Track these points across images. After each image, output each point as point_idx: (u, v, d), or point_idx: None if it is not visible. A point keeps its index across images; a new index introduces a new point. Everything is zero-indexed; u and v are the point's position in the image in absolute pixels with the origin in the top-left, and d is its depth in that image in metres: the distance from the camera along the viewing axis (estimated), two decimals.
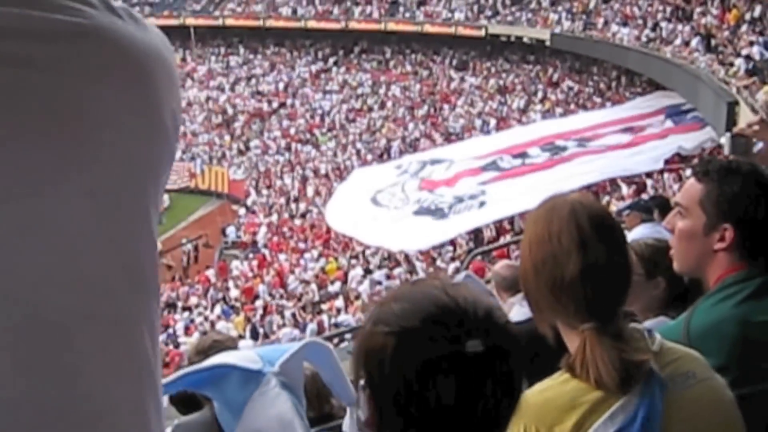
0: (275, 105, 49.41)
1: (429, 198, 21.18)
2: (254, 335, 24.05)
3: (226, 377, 2.05)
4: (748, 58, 24.55)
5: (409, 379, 1.42)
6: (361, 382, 1.50)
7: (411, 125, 43.40)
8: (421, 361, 1.41)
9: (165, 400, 2.41)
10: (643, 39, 33.22)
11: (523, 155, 22.80)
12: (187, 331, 26.02)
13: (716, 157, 2.70)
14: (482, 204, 20.17)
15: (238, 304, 27.44)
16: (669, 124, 24.83)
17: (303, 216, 35.57)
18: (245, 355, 2.14)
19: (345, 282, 26.64)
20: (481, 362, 1.41)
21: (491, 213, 20.24)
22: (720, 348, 2.24)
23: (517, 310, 3.91)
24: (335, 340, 16.07)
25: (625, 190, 24.80)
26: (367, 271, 26.39)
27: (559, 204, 2.05)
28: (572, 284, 1.97)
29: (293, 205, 37.43)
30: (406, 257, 25.78)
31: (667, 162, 22.07)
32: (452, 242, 24.83)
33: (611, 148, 22.44)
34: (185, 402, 3.63)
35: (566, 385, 1.98)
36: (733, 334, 2.30)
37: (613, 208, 22.53)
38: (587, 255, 1.96)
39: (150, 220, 1.10)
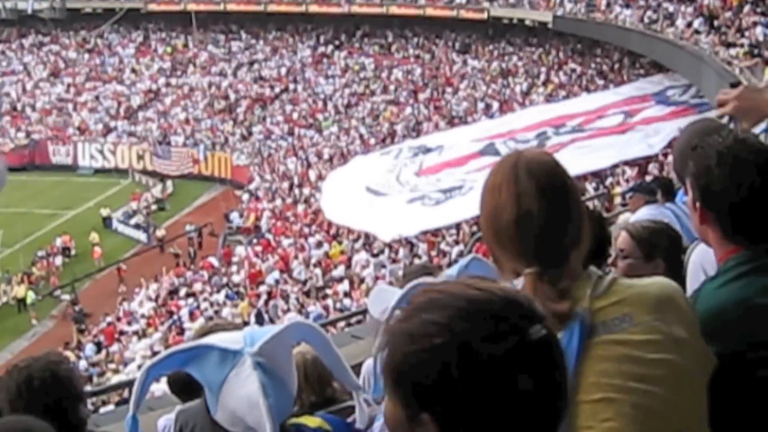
0: (277, 90, 49.35)
1: (423, 184, 21.18)
2: (259, 321, 24.11)
3: (206, 357, 2.06)
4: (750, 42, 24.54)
5: (484, 385, 1.36)
6: (420, 413, 1.41)
7: (414, 109, 43.33)
8: (489, 362, 1.36)
9: (165, 388, 2.42)
10: (646, 20, 33.11)
11: (516, 141, 22.82)
12: (192, 316, 26.09)
13: (713, 132, 2.57)
14: (471, 189, 20.21)
15: (242, 290, 27.48)
16: (660, 109, 24.82)
17: (306, 201, 35.56)
18: (230, 336, 2.15)
19: (349, 266, 26.68)
20: (544, 346, 1.40)
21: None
22: (726, 333, 2.19)
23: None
24: (341, 324, 16.08)
25: (628, 172, 24.79)
26: (373, 255, 26.40)
27: (506, 158, 2.13)
28: (509, 232, 2.05)
29: (296, 190, 37.41)
30: (408, 241, 25.77)
31: (669, 145, 22.05)
32: (456, 225, 24.82)
33: (603, 133, 22.45)
34: (185, 389, 3.64)
35: None
36: (737, 319, 2.24)
37: (618, 190, 22.61)
38: (520, 204, 2.03)
39: None
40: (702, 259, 3.11)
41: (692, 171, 2.41)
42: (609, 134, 22.77)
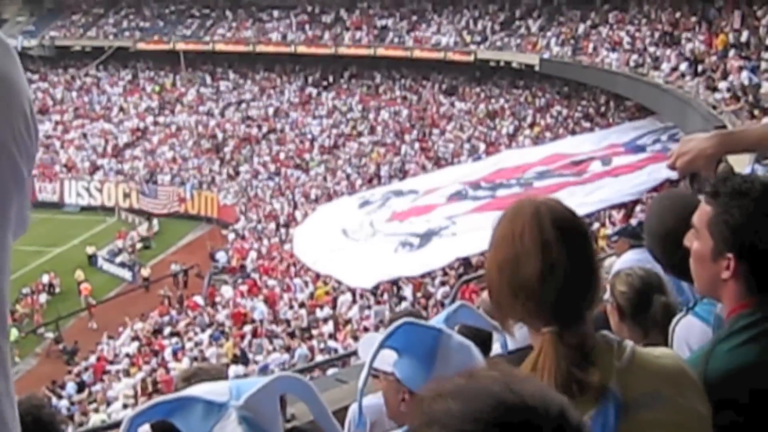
0: (265, 130, 49.44)
1: (399, 229, 21.02)
2: (244, 361, 23.96)
3: (192, 408, 2.03)
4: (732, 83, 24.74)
5: None
6: None
7: (401, 150, 43.46)
8: None
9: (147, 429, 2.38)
10: (632, 64, 33.39)
11: (492, 187, 22.70)
12: (176, 356, 25.90)
13: (732, 175, 2.45)
14: (453, 234, 20.06)
15: (227, 330, 27.33)
16: (638, 155, 24.76)
17: (292, 241, 35.47)
18: (217, 387, 2.11)
19: (334, 307, 26.57)
20: None
21: (462, 246, 19.97)
22: (742, 397, 2.15)
23: (508, 338, 3.87)
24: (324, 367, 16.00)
25: (614, 215, 24.85)
26: (360, 297, 26.31)
27: (524, 205, 2.02)
28: (531, 285, 1.94)
29: (283, 230, 37.37)
30: (395, 283, 25.67)
31: (656, 189, 22.05)
32: (442, 267, 24.76)
33: (585, 181, 22.35)
34: None
35: None
36: (756, 383, 2.18)
37: (603, 232, 22.63)
38: (547, 256, 1.93)
39: None
40: (687, 336, 3.03)
41: (725, 221, 2.30)
42: (593, 180, 22.69)
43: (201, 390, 2.08)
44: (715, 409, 2.00)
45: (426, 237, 20.12)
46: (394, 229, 21.16)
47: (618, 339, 2.04)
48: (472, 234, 19.33)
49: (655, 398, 1.92)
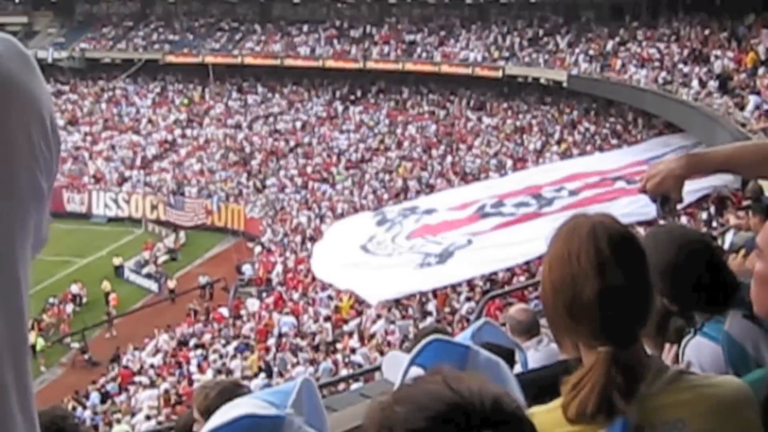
0: (292, 143, 49.58)
1: (418, 247, 20.91)
2: (268, 374, 23.97)
3: (250, 429, 2.02)
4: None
5: None
6: None
7: (428, 165, 43.45)
8: None
9: None
10: (660, 81, 33.25)
11: (508, 205, 22.50)
12: (200, 368, 25.97)
13: None
14: (472, 251, 19.93)
15: (252, 342, 27.36)
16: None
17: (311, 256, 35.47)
18: (252, 403, 2.11)
19: (359, 321, 26.55)
20: None
21: (483, 263, 19.89)
22: None
23: (532, 355, 3.85)
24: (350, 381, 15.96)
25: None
26: (387, 310, 26.28)
27: (580, 223, 2.00)
28: (588, 306, 1.92)
29: (309, 244, 37.37)
30: (419, 298, 25.63)
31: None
32: (468, 282, 24.66)
33: (601, 199, 22.01)
34: None
35: (547, 414, 1.93)
36: None
37: None
38: (605, 277, 1.91)
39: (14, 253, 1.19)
40: (698, 356, 2.99)
41: None
42: (609, 199, 22.33)
43: (246, 407, 2.07)
44: None
45: (444, 255, 20.00)
46: (413, 246, 21.06)
47: (664, 364, 2.02)
48: (491, 251, 19.26)
49: (674, 427, 1.88)
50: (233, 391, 3.19)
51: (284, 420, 2.02)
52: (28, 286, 1.31)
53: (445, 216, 22.62)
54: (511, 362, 4.26)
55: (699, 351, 2.99)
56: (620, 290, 1.91)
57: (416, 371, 2.47)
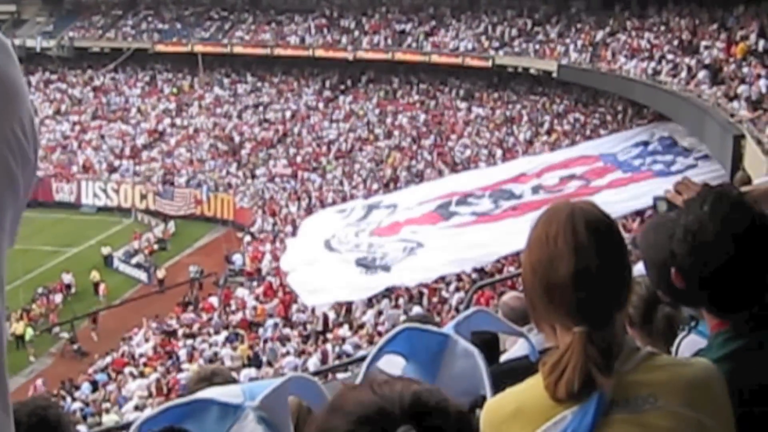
0: (282, 133, 49.51)
1: (379, 244, 20.35)
2: (257, 364, 23.98)
3: (206, 411, 2.04)
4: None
5: None
6: None
7: (417, 155, 43.45)
8: None
9: None
10: (650, 71, 33.26)
11: (470, 203, 21.94)
12: (191, 358, 25.95)
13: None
14: (433, 250, 19.44)
15: (242, 332, 27.35)
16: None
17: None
18: (229, 390, 2.12)
19: (349, 311, 26.56)
20: None
21: (442, 264, 19.49)
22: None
23: (521, 344, 3.85)
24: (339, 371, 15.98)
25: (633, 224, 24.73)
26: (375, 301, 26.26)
27: (559, 208, 2.08)
28: (564, 287, 1.98)
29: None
30: (408, 289, 25.51)
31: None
32: (457, 273, 24.53)
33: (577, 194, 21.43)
34: None
35: (525, 392, 2.01)
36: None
37: None
38: (580, 258, 1.97)
39: None
40: (692, 354, 3.03)
41: None
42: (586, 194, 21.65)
43: (214, 393, 2.09)
44: None
45: (394, 260, 19.41)
46: (372, 245, 20.49)
47: (638, 345, 2.07)
48: (443, 254, 18.86)
49: (646, 401, 1.94)
50: (209, 378, 3.20)
51: (241, 411, 2.03)
52: (4, 279, 1.28)
53: (410, 213, 22.04)
54: (495, 351, 4.27)
55: (693, 349, 3.01)
56: (595, 272, 1.98)
57: (397, 359, 2.50)
